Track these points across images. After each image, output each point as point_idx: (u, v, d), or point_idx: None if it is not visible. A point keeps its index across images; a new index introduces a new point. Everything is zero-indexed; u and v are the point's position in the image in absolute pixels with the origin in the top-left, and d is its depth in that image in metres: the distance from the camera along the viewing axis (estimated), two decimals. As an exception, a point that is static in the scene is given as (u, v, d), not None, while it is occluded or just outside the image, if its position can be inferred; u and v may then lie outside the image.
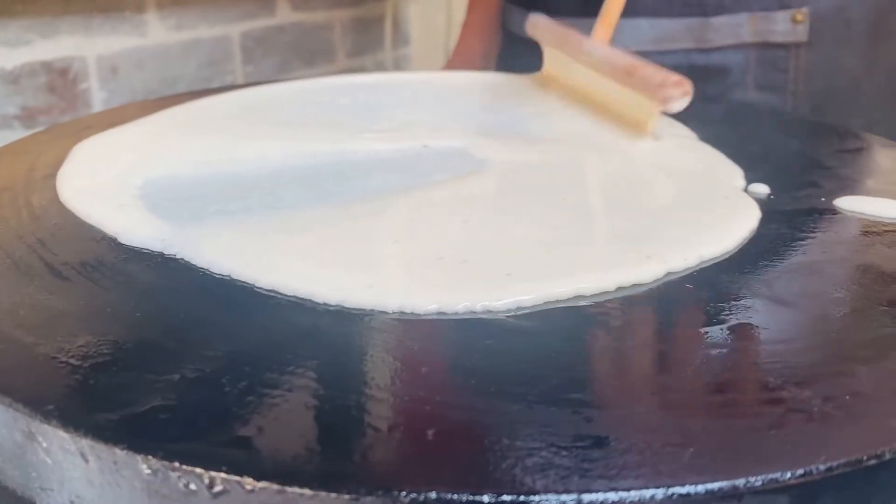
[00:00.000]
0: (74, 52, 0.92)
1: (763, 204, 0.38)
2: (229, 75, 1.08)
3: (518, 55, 0.68)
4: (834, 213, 0.38)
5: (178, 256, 0.31)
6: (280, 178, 0.38)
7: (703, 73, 0.60)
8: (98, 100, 1.03)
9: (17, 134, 0.90)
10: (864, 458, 0.21)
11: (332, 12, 1.19)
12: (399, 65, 1.29)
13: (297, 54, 1.16)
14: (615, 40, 0.55)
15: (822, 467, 0.21)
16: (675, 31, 0.61)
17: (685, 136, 0.46)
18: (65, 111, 0.99)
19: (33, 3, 0.89)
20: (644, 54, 0.55)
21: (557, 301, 0.29)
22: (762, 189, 0.40)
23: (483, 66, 0.74)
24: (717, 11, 0.60)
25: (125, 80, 0.98)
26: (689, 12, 0.61)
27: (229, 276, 0.30)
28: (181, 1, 1.01)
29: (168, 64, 1.01)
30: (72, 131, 0.45)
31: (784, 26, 0.60)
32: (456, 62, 0.76)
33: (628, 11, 0.61)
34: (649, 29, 0.62)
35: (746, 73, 0.61)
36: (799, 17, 0.60)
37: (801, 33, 0.60)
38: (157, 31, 1.01)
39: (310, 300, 0.28)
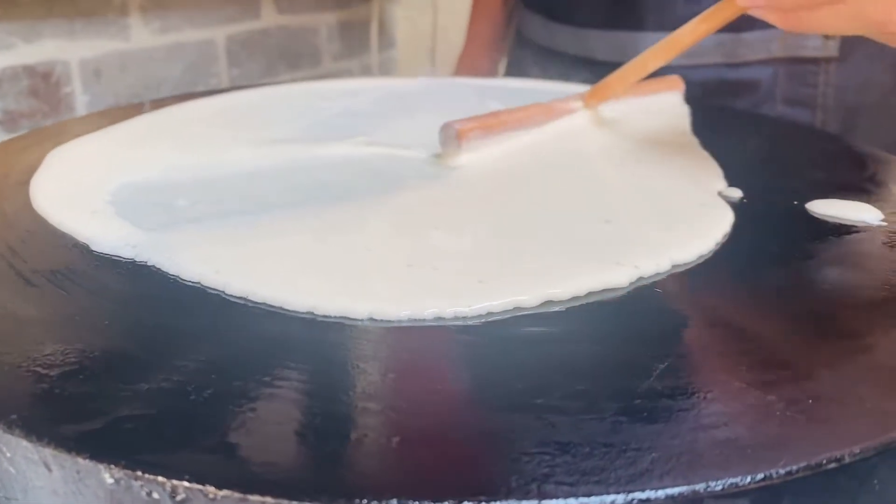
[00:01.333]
0: (57, 56, 0.92)
1: (737, 207, 0.38)
2: (214, 78, 1.08)
3: (535, 62, 0.68)
4: (808, 217, 0.38)
5: (149, 263, 0.31)
6: (254, 185, 0.38)
7: (733, 87, 0.59)
8: (81, 103, 1.03)
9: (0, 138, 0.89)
10: (824, 461, 0.22)
11: (318, 15, 1.19)
12: (385, 68, 1.29)
13: (283, 57, 1.16)
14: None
15: (782, 471, 0.21)
16: (705, 45, 0.61)
17: (678, 138, 0.47)
18: (48, 115, 0.98)
19: (15, 7, 0.89)
20: (674, 68, 0.55)
21: (527, 308, 0.29)
22: (736, 193, 0.40)
23: (489, 75, 0.74)
24: (748, 27, 0.60)
25: (108, 83, 0.98)
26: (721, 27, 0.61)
27: (199, 283, 0.30)
28: (165, 4, 1.01)
29: (152, 67, 1.01)
30: (50, 136, 0.45)
31: (815, 41, 0.60)
32: (463, 72, 0.76)
33: (659, 25, 0.61)
34: None
35: (775, 88, 0.61)
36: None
37: (831, 48, 0.60)
38: (141, 35, 1.00)
39: (280, 307, 0.28)
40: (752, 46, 0.60)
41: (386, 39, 1.29)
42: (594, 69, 0.59)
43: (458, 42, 0.82)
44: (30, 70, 0.91)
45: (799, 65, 0.60)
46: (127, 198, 0.36)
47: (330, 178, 0.39)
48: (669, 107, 0.54)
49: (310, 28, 1.19)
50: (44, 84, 0.93)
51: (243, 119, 0.47)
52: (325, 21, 1.20)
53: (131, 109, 0.49)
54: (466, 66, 0.77)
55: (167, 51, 1.02)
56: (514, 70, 0.73)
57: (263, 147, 0.42)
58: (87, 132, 0.45)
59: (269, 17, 1.14)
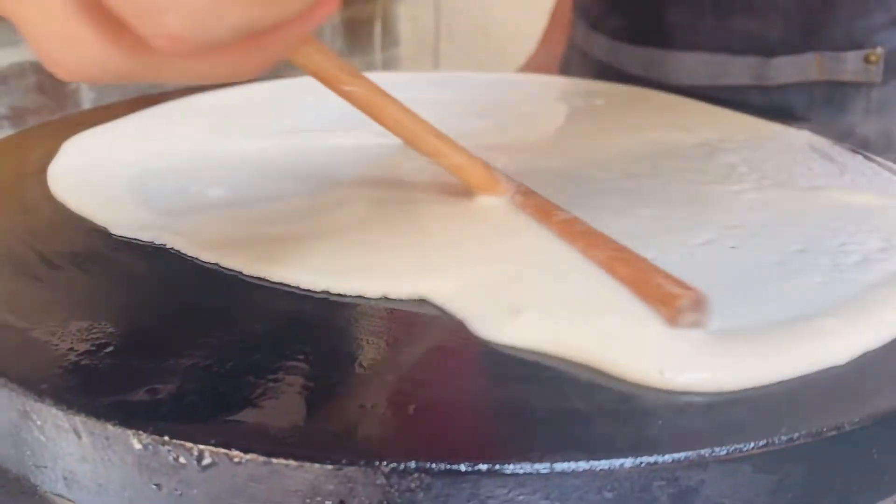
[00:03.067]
0: (64, 53, 0.93)
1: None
2: (219, 75, 1.08)
3: (578, 67, 0.67)
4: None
5: (167, 246, 0.32)
6: (267, 172, 0.39)
7: (761, 114, 0.53)
8: (87, 99, 1.03)
9: (6, 133, 0.90)
10: (824, 429, 0.22)
11: (321, 13, 1.20)
12: (388, 66, 1.30)
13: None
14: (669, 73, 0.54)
15: (783, 438, 0.22)
16: (732, 66, 0.57)
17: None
18: (54, 111, 0.99)
19: (22, 4, 0.90)
20: (700, 88, 0.53)
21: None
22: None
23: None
24: (780, 51, 0.56)
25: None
26: (750, 49, 0.57)
27: (217, 264, 0.31)
28: None
29: (158, 64, 1.02)
30: (61, 128, 0.46)
31: (855, 66, 0.55)
32: (540, 57, 0.74)
33: (683, 44, 0.57)
34: (703, 64, 0.58)
35: (810, 114, 0.56)
36: (873, 57, 0.54)
37: (874, 74, 0.55)
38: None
39: (296, 287, 0.29)
40: (784, 70, 0.56)
41: (389, 37, 1.29)
42: (629, 82, 0.58)
43: (462, 40, 0.82)
44: (36, 66, 0.91)
45: (837, 88, 0.56)
46: (144, 184, 0.37)
47: (345, 165, 0.40)
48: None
49: (313, 26, 1.20)
50: (50, 80, 0.94)
51: (256, 109, 0.48)
52: (329, 19, 1.21)
53: (138, 102, 0.50)
54: (533, 66, 0.75)
55: (173, 48, 1.03)
56: (563, 70, 0.71)
57: (277, 137, 0.43)
58: (100, 122, 0.45)
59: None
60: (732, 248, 0.32)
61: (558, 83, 0.59)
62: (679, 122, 0.49)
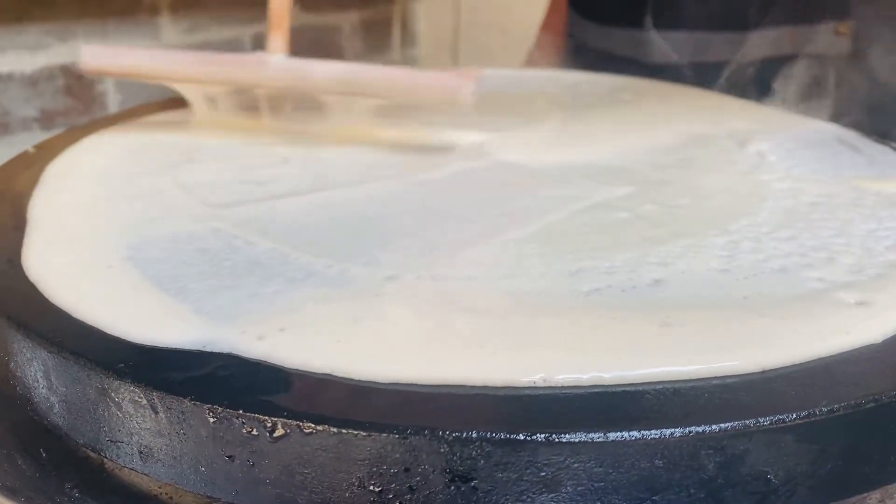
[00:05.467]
0: (91, 56, 0.95)
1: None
2: (242, 76, 1.10)
3: (570, 57, 0.69)
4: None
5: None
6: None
7: (741, 87, 0.57)
8: (114, 102, 1.05)
9: (37, 136, 0.92)
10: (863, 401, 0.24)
11: (341, 14, 1.22)
12: (407, 66, 1.31)
13: (307, 55, 1.18)
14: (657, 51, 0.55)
15: (824, 409, 0.23)
16: (713, 43, 0.60)
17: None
18: (83, 113, 1.01)
19: (51, 9, 0.92)
20: (681, 66, 0.55)
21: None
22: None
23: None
24: (756, 25, 0.59)
25: (141, 82, 1.00)
26: (729, 25, 0.60)
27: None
28: (194, 4, 1.04)
29: (182, 66, 1.03)
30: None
31: (825, 38, 0.58)
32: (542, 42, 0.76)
33: (667, 23, 0.60)
34: (687, 41, 0.61)
35: (785, 86, 0.58)
36: (842, 29, 0.57)
37: (843, 46, 0.58)
38: (171, 34, 1.03)
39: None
40: (760, 45, 0.59)
41: (408, 37, 1.31)
42: (614, 64, 0.60)
43: (481, 39, 0.83)
44: (65, 70, 0.93)
45: (809, 62, 0.58)
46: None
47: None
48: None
49: (333, 26, 1.21)
50: (78, 83, 0.96)
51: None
52: (349, 19, 1.22)
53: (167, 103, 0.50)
54: (536, 55, 0.77)
55: (196, 50, 1.05)
56: (565, 63, 0.73)
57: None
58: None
59: (294, 16, 1.16)
60: (768, 233, 0.33)
61: (581, 78, 0.60)
62: (705, 114, 0.50)
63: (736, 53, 0.60)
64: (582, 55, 0.68)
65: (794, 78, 0.59)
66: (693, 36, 0.61)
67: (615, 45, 0.65)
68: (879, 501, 0.26)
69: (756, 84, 0.59)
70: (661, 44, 0.61)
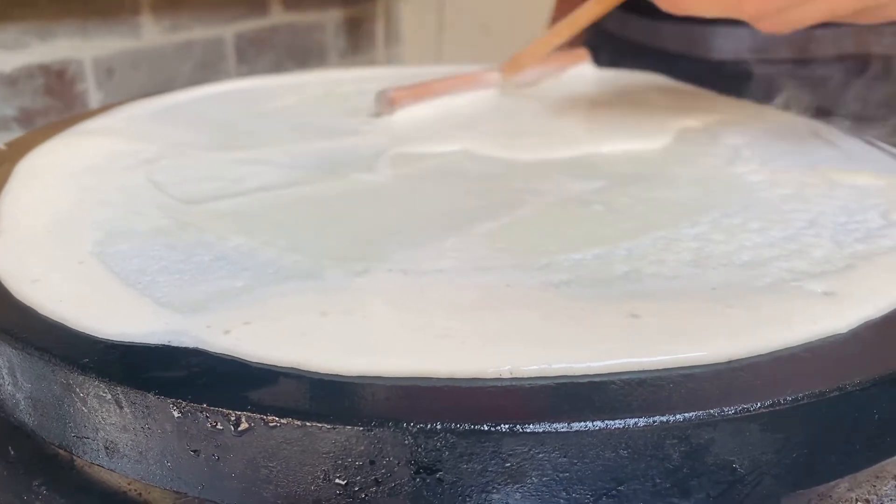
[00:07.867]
0: (71, 55, 0.94)
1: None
2: (223, 75, 1.10)
3: (608, 51, 0.67)
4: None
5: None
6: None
7: (801, 85, 0.55)
8: (95, 101, 1.05)
9: (16, 135, 0.91)
10: (827, 391, 0.24)
11: (324, 13, 1.21)
12: (391, 64, 1.31)
13: (290, 54, 1.18)
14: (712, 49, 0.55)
15: (788, 398, 0.23)
16: (775, 40, 0.58)
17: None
18: (62, 112, 1.00)
19: (31, 7, 0.91)
20: (743, 62, 0.55)
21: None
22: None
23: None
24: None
25: (121, 81, 0.99)
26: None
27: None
28: (175, 3, 1.03)
29: (163, 65, 1.03)
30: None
31: (890, 39, 0.56)
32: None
33: (729, 20, 0.61)
34: (748, 37, 0.59)
35: (846, 86, 0.57)
36: None
37: None
38: (152, 33, 1.02)
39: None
40: (823, 43, 0.57)
41: (392, 36, 1.31)
42: (666, 60, 0.59)
43: (465, 38, 0.83)
44: (45, 69, 0.93)
45: (872, 62, 0.56)
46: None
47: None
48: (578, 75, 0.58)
49: (316, 25, 1.21)
50: (58, 82, 0.95)
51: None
52: (332, 18, 1.22)
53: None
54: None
55: (177, 49, 1.04)
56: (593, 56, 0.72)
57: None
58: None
59: (277, 15, 1.16)
60: (739, 225, 0.33)
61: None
62: (683, 108, 0.50)
63: (798, 52, 0.58)
64: (618, 49, 0.67)
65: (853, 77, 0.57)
66: (752, 32, 0.59)
67: (665, 41, 0.63)
68: (848, 490, 0.26)
69: (820, 83, 0.57)
70: (719, 41, 0.60)
